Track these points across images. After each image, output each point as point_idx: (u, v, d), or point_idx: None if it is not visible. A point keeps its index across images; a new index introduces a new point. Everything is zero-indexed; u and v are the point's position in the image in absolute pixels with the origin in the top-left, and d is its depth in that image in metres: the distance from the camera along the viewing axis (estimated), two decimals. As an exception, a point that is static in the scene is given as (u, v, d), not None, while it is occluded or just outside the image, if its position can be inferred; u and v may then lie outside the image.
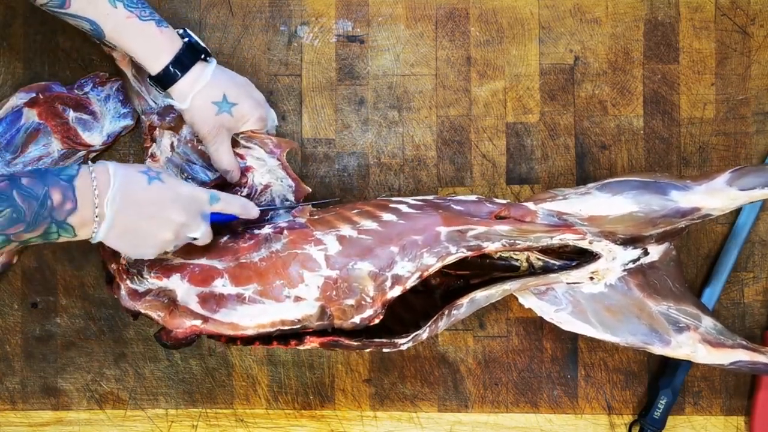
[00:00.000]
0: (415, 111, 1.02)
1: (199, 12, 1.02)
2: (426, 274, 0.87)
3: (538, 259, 0.93)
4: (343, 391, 1.01)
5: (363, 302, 0.86)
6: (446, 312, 0.89)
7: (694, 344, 0.91)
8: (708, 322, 0.92)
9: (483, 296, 0.90)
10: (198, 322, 0.87)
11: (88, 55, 1.01)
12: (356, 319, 0.87)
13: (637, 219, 0.88)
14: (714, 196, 0.87)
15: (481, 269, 0.95)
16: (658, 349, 0.91)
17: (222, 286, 0.87)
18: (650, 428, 0.99)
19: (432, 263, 0.86)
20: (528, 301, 0.93)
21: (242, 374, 1.01)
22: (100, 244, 0.85)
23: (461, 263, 0.93)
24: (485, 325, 1.01)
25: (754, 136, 1.02)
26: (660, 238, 0.91)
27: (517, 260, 0.94)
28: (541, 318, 0.95)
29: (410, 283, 0.87)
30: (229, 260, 0.88)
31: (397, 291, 0.87)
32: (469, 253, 0.87)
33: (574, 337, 1.01)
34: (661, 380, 0.99)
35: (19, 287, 1.01)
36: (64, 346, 1.01)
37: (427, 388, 1.01)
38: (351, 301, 0.86)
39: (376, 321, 0.88)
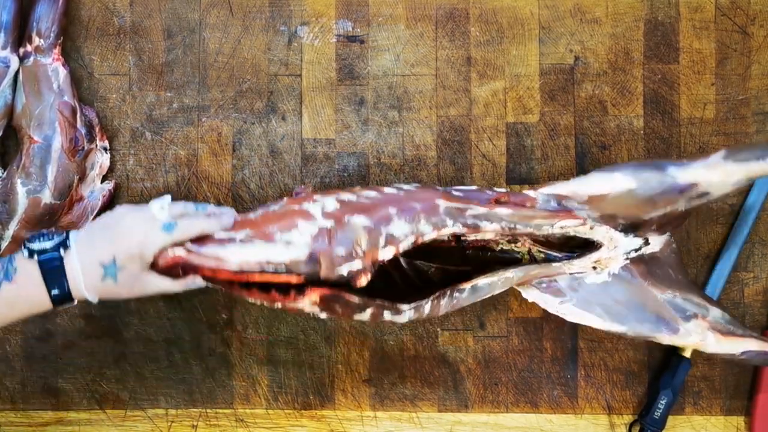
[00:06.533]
0: (415, 111, 1.02)
1: (199, 12, 1.02)
2: (421, 240, 0.85)
3: (540, 251, 0.93)
4: (343, 391, 1.01)
5: (354, 254, 0.84)
6: (449, 292, 0.88)
7: (704, 332, 0.89)
8: (716, 312, 0.91)
9: (485, 283, 0.89)
10: (182, 252, 0.84)
11: (88, 55, 1.01)
12: (344, 270, 0.84)
13: (637, 197, 0.87)
14: (711, 170, 0.85)
15: (483, 264, 0.95)
16: (666, 338, 0.90)
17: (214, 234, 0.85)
18: (650, 428, 0.99)
19: (428, 231, 0.85)
20: (531, 294, 0.92)
21: (242, 374, 1.01)
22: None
23: (463, 258, 0.93)
24: (485, 325, 1.01)
25: (754, 136, 1.02)
26: (660, 226, 0.90)
27: (518, 253, 0.94)
28: (541, 318, 0.94)
29: (403, 246, 0.85)
30: None
31: (389, 252, 0.85)
32: (465, 230, 0.86)
33: (574, 336, 1.01)
34: (662, 380, 0.99)
35: (19, 287, 1.01)
36: (64, 346, 1.01)
37: (427, 388, 1.01)
38: (342, 251, 0.84)
39: (364, 280, 0.85)
